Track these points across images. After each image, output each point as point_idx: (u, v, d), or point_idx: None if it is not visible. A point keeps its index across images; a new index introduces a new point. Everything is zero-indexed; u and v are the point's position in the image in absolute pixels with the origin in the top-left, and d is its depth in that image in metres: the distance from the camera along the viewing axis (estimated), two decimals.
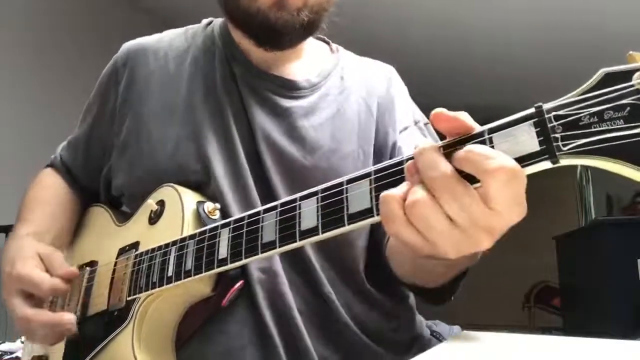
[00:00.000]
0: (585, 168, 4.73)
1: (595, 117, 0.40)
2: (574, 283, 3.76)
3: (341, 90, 0.87)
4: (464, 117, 0.47)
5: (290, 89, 0.84)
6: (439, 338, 0.89)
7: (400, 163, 0.51)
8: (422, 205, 0.44)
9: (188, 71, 0.86)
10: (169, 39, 0.92)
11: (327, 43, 0.96)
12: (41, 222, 0.88)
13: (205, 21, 0.95)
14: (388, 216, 0.47)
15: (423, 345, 0.85)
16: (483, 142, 0.46)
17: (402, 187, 0.47)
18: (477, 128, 0.47)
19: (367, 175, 0.53)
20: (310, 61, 0.89)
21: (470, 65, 4.86)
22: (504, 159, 0.42)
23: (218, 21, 0.93)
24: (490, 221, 0.44)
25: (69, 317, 0.74)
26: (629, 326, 2.88)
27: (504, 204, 0.43)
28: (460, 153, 0.44)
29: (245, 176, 0.78)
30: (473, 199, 0.43)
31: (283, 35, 0.78)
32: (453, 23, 4.20)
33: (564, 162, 0.42)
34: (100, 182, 0.93)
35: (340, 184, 0.55)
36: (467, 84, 5.17)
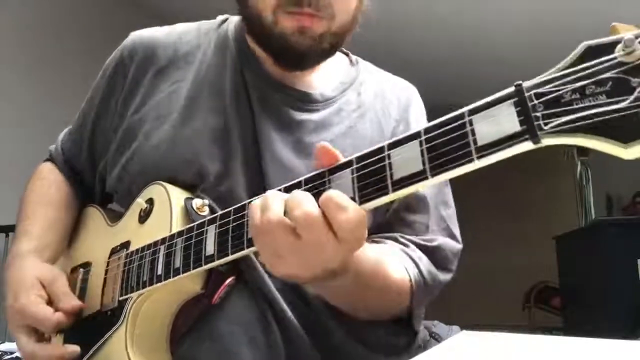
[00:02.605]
0: (585, 168, 4.73)
1: (577, 94, 0.39)
2: (574, 283, 3.75)
3: (357, 107, 0.84)
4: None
5: (303, 101, 0.82)
6: (437, 339, 0.87)
7: (381, 150, 0.52)
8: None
9: (196, 71, 0.84)
10: (180, 34, 0.88)
11: (346, 54, 0.93)
12: (43, 232, 0.87)
13: (220, 18, 0.92)
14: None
15: (421, 346, 0.84)
16: (463, 125, 0.46)
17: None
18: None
19: (349, 164, 0.54)
20: (327, 74, 0.87)
21: (473, 66, 4.86)
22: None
23: (233, 20, 0.90)
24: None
25: (72, 349, 0.75)
26: (629, 326, 2.88)
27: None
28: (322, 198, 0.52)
29: (237, 185, 0.76)
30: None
31: (304, 60, 0.77)
32: (453, 25, 4.21)
33: (546, 141, 0.41)
34: (97, 178, 0.92)
35: (323, 175, 0.55)
36: (469, 84, 5.17)
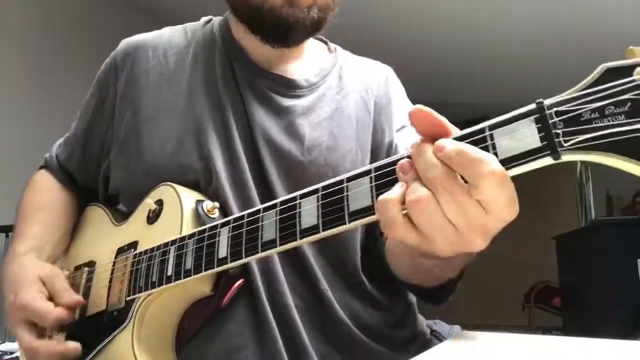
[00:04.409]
0: (585, 167, 4.73)
1: (597, 113, 0.40)
2: (574, 283, 3.75)
3: (339, 89, 0.88)
4: (442, 118, 0.48)
5: (290, 87, 0.84)
6: (439, 337, 0.88)
7: (400, 159, 0.51)
8: (425, 203, 0.45)
9: (188, 68, 0.86)
10: (168, 36, 0.91)
11: (325, 43, 0.97)
12: (39, 234, 0.88)
13: (204, 19, 0.95)
14: (388, 222, 0.47)
15: (423, 344, 0.85)
16: (484, 139, 0.46)
17: (397, 189, 0.48)
18: (454, 131, 0.48)
19: (368, 172, 0.53)
20: (309, 60, 0.90)
21: (471, 64, 4.86)
22: (495, 164, 0.43)
23: (217, 19, 0.93)
24: (484, 222, 0.46)
25: (74, 347, 0.75)
26: (629, 326, 2.88)
27: (498, 206, 0.45)
28: (452, 154, 0.44)
29: (244, 174, 0.78)
30: (470, 201, 0.45)
31: (293, 32, 0.79)
32: (455, 22, 4.20)
33: (566, 157, 0.42)
34: (99, 179, 0.93)
35: (341, 182, 0.55)
36: (467, 82, 5.17)
